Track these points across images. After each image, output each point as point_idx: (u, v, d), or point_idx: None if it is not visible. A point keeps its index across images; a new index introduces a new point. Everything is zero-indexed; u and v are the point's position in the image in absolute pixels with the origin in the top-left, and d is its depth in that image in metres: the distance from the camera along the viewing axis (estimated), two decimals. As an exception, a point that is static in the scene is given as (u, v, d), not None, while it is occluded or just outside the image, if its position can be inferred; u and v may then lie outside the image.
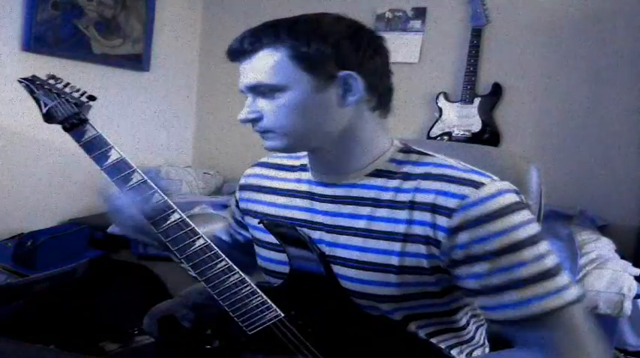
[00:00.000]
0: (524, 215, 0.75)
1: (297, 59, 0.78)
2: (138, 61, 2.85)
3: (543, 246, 0.75)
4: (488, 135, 2.52)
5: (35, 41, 2.33)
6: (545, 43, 2.48)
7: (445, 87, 2.63)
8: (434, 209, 0.77)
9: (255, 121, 0.82)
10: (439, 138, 2.57)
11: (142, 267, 2.17)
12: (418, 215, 0.78)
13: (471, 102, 2.53)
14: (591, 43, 2.40)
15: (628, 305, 1.70)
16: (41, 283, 2.02)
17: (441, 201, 0.76)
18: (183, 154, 3.29)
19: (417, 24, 2.71)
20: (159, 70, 3.01)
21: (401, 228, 0.79)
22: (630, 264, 1.84)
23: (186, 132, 3.30)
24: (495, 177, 0.79)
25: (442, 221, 0.76)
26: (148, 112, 2.99)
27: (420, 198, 0.78)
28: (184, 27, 3.17)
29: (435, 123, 2.61)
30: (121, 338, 2.01)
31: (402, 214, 0.79)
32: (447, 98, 2.61)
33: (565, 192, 2.37)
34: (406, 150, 0.86)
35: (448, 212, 0.75)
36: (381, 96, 0.84)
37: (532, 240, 0.74)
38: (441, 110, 2.60)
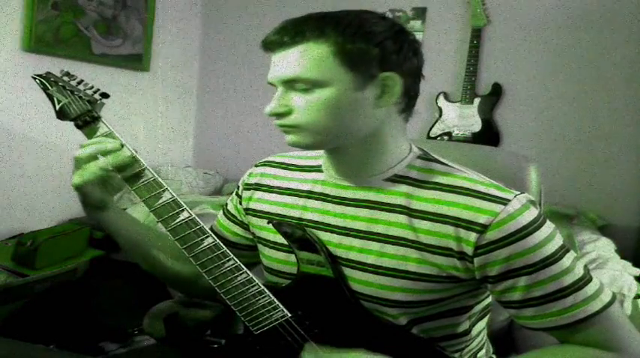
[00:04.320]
0: (550, 226, 0.78)
1: (341, 56, 0.76)
2: (138, 61, 2.85)
3: (571, 254, 0.77)
4: (489, 135, 2.52)
5: (35, 41, 2.34)
6: (545, 43, 2.48)
7: (445, 87, 2.63)
8: (458, 223, 0.77)
9: (282, 115, 0.80)
10: (439, 138, 2.57)
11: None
12: (440, 227, 0.78)
13: (471, 102, 2.53)
14: (591, 43, 2.40)
15: (628, 306, 1.70)
16: (41, 283, 2.02)
17: (468, 215, 0.76)
18: (184, 154, 3.29)
19: (417, 24, 2.71)
20: (159, 70, 3.01)
21: (420, 237, 0.79)
22: (630, 264, 1.84)
23: (187, 132, 3.30)
24: (514, 190, 0.79)
25: (470, 235, 0.76)
26: (147, 112, 2.99)
27: (443, 209, 0.78)
28: (184, 27, 3.17)
29: (435, 123, 2.61)
30: (121, 338, 2.01)
31: (422, 223, 0.79)
32: (447, 98, 2.61)
33: (565, 192, 2.37)
34: (425, 157, 0.86)
35: (479, 227, 0.75)
36: (411, 99, 0.83)
37: (563, 251, 0.77)
38: (441, 110, 2.60)
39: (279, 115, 0.80)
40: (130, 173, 0.87)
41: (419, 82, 0.84)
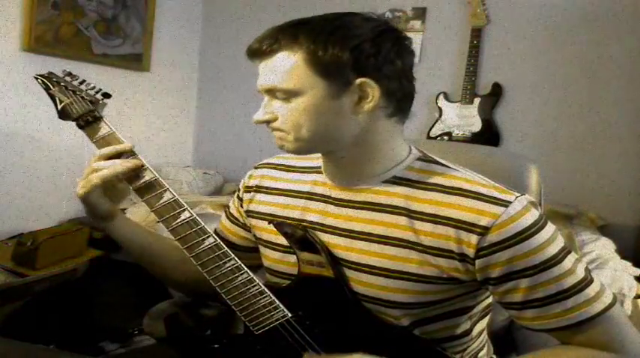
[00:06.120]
0: (551, 228, 0.77)
1: (314, 64, 0.76)
2: (138, 61, 2.85)
3: (573, 256, 0.77)
4: (488, 135, 2.52)
5: (35, 41, 2.33)
6: (545, 43, 2.48)
7: (445, 87, 2.63)
8: (459, 225, 0.76)
9: (269, 122, 0.82)
10: (439, 138, 2.57)
11: (141, 266, 2.17)
12: (440, 228, 0.78)
13: (471, 102, 2.53)
14: (590, 42, 2.40)
15: (628, 306, 1.70)
16: (41, 283, 2.01)
17: (469, 217, 0.76)
18: (184, 154, 3.29)
19: (417, 24, 2.71)
20: (159, 70, 3.01)
21: (421, 238, 0.79)
22: (630, 264, 1.84)
23: (187, 132, 3.30)
24: (515, 192, 0.79)
25: (471, 238, 0.75)
26: (147, 112, 2.99)
27: (444, 211, 0.78)
28: (184, 27, 3.17)
29: (435, 123, 2.61)
30: (121, 338, 2.01)
31: (422, 225, 0.79)
32: (447, 98, 2.61)
33: (565, 192, 2.37)
34: (424, 158, 0.85)
35: (480, 230, 0.75)
36: (400, 101, 0.81)
37: (564, 252, 0.76)
38: (441, 110, 2.60)
39: (267, 122, 0.82)
40: (137, 181, 0.89)
41: (408, 83, 0.82)
